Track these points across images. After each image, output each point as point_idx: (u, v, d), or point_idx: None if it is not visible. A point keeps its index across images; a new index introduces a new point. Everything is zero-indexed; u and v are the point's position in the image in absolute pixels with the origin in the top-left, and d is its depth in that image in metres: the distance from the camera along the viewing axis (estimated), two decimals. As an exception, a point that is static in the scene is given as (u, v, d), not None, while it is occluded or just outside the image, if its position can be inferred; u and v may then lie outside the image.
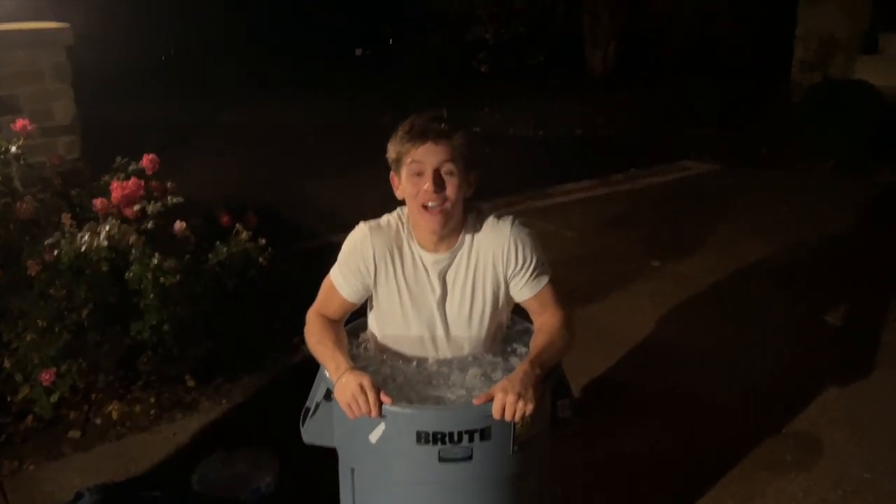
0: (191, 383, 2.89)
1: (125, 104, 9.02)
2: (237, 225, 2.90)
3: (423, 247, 1.78)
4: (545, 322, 1.81)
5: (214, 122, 8.82)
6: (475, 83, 9.86)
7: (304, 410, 1.81)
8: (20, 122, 2.93)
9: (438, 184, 1.65)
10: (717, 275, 4.07)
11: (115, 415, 2.70)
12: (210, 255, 2.76)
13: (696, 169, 6.45)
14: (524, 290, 1.81)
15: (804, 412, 2.80)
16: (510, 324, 1.96)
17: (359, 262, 1.77)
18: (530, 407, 1.55)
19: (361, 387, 1.57)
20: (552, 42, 10.34)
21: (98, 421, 2.72)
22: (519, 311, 1.94)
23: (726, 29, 9.23)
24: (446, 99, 8.84)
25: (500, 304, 1.83)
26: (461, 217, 1.76)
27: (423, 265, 1.77)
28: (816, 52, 7.47)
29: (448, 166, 1.66)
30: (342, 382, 1.61)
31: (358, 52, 12.91)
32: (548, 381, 1.69)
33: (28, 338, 2.45)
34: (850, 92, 6.40)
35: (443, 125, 1.66)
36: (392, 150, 1.71)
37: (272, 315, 3.13)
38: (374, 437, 1.62)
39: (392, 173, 1.76)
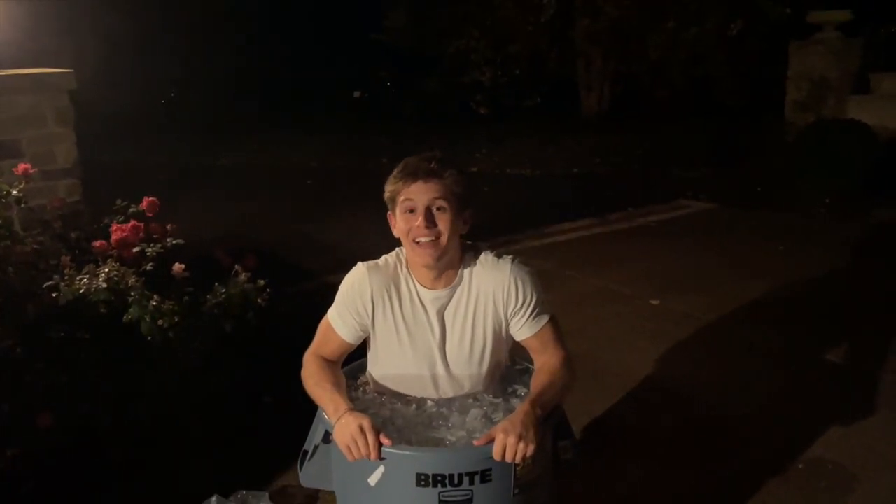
0: (188, 426, 2.85)
1: (127, 147, 9.12)
2: (236, 266, 2.90)
3: (421, 284, 1.78)
4: (545, 362, 1.80)
5: (215, 165, 8.91)
6: (473, 124, 10.00)
7: (301, 453, 1.80)
8: (22, 167, 2.95)
9: (430, 219, 1.68)
10: (716, 314, 4.07)
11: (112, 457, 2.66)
12: (208, 297, 2.76)
13: (692, 208, 6.50)
14: (524, 328, 1.81)
15: (807, 452, 2.76)
16: (510, 364, 1.95)
17: (356, 302, 1.78)
18: (531, 448, 1.54)
19: (361, 428, 1.56)
20: (548, 84, 10.51)
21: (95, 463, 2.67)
22: (519, 352, 1.94)
23: (719, 70, 9.39)
24: (444, 140, 8.96)
25: (501, 342, 1.83)
26: (458, 254, 1.77)
27: (422, 303, 1.78)
28: (809, 93, 7.59)
29: (439, 203, 1.69)
30: (341, 424, 1.60)
31: (357, 94, 13.10)
32: (549, 421, 1.67)
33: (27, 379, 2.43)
34: (843, 132, 6.49)
35: (433, 164, 1.70)
36: (387, 190, 1.75)
37: (270, 356, 3.11)
38: (373, 479, 1.60)
39: (389, 212, 1.78)
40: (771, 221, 5.92)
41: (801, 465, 2.70)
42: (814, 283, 4.52)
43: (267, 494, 2.49)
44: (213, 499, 2.46)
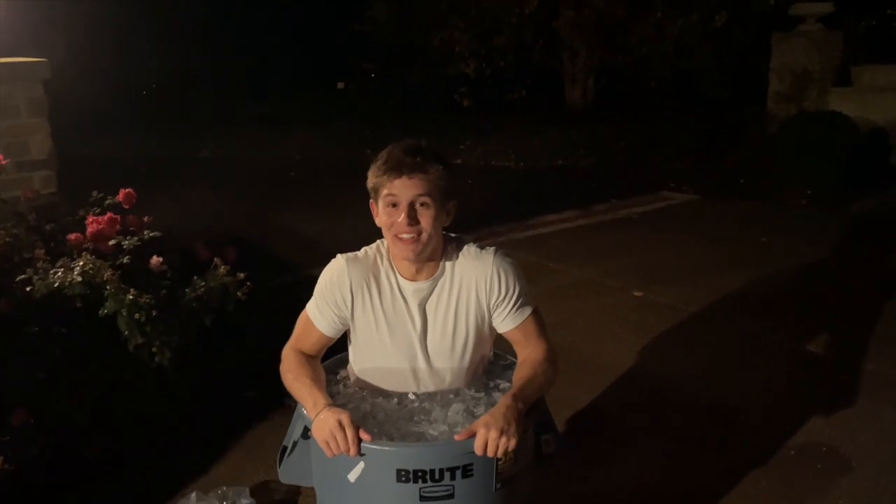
0: (167, 421, 2.82)
1: (108, 139, 9.00)
2: (215, 259, 2.86)
3: (402, 276, 1.76)
4: (528, 355, 1.78)
5: (196, 157, 8.81)
6: (457, 117, 9.95)
7: (281, 449, 1.77)
8: (-6, 158, 2.89)
9: (412, 216, 1.65)
10: (698, 305, 4.08)
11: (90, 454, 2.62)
12: (187, 290, 2.71)
13: (676, 199, 6.52)
14: (507, 320, 1.79)
15: (789, 442, 2.78)
16: (493, 358, 1.93)
17: (335, 294, 1.75)
18: (513, 442, 1.53)
19: (340, 424, 1.53)
20: (532, 77, 10.48)
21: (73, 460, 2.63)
22: (502, 346, 1.92)
23: (702, 62, 9.40)
24: (428, 131, 8.90)
25: (483, 334, 1.81)
26: (440, 245, 1.75)
27: (402, 295, 1.75)
28: (791, 85, 7.63)
29: (423, 199, 1.66)
30: (320, 419, 1.57)
31: (340, 85, 13.01)
32: (531, 415, 1.66)
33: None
34: (824, 123, 6.53)
35: (418, 158, 1.66)
36: (370, 180, 1.71)
37: (250, 350, 3.08)
38: (353, 475, 1.58)
39: (371, 201, 1.75)
40: (753, 213, 5.95)
41: (783, 455, 2.71)
42: (795, 275, 4.55)
43: (248, 490, 2.46)
44: (193, 494, 2.43)
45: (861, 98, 7.18)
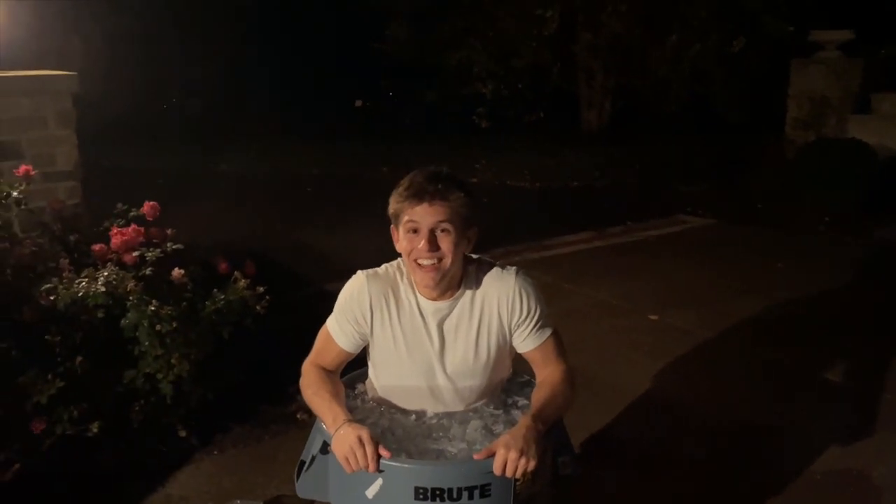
0: (182, 433, 2.83)
1: (130, 151, 9.11)
2: (235, 273, 2.88)
3: (422, 295, 1.77)
4: (547, 376, 1.79)
5: (216, 171, 8.89)
6: (473, 137, 10.00)
7: (299, 463, 1.77)
8: (23, 168, 2.94)
9: (433, 243, 1.67)
10: (714, 330, 4.06)
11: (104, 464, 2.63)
12: (207, 303, 2.74)
13: (692, 223, 6.50)
14: (528, 341, 1.79)
15: (807, 470, 2.75)
16: (511, 376, 1.94)
17: (355, 310, 1.77)
18: (532, 464, 1.53)
19: (360, 440, 1.54)
20: (549, 98, 10.52)
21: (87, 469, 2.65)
22: (520, 363, 1.92)
23: (720, 86, 9.41)
24: (444, 150, 8.96)
25: (504, 354, 1.82)
26: (460, 269, 1.76)
27: (421, 313, 1.76)
28: (809, 112, 7.61)
29: (443, 226, 1.67)
30: (340, 435, 1.58)
31: (358, 103, 13.12)
32: (549, 436, 1.66)
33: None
34: (843, 150, 6.51)
35: (440, 185, 1.67)
36: (392, 206, 1.73)
37: (268, 364, 3.10)
38: (371, 492, 1.58)
39: (392, 227, 1.76)
40: (770, 239, 5.92)
41: (796, 484, 2.68)
42: (812, 302, 4.51)
43: (261, 503, 2.46)
44: (207, 508, 2.44)
45: (881, 126, 7.14)
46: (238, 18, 11.80)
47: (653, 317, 4.29)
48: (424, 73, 10.90)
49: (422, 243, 1.66)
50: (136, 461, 2.72)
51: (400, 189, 1.71)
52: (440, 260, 1.67)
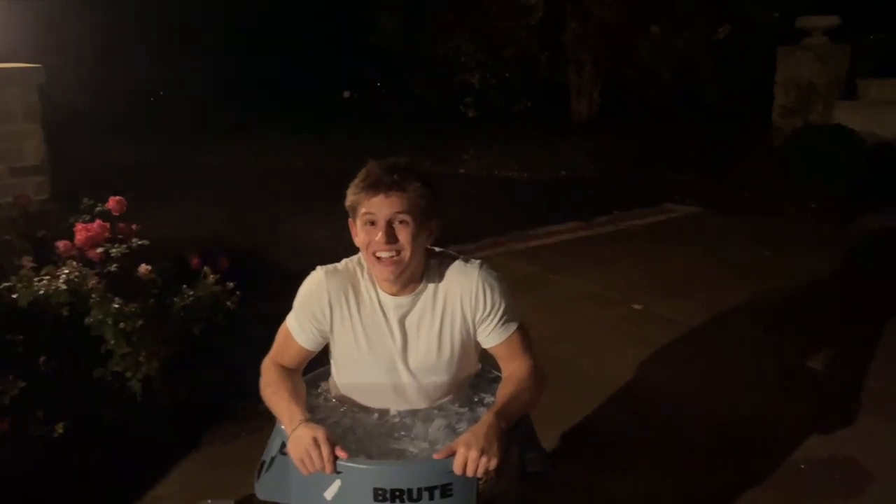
0: (155, 432, 2.78)
1: (115, 146, 9.00)
2: (204, 268, 2.82)
3: (383, 290, 1.72)
4: (514, 371, 1.74)
5: (200, 165, 8.80)
6: (462, 127, 9.93)
7: (259, 464, 1.73)
8: (-12, 163, 2.88)
9: (391, 235, 1.61)
10: (699, 319, 4.02)
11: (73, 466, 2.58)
12: (176, 300, 2.68)
13: (679, 212, 6.47)
14: (493, 336, 1.74)
15: (791, 460, 2.72)
16: (479, 372, 1.89)
17: (314, 307, 1.71)
18: (494, 462, 1.48)
19: (315, 441, 1.49)
20: (538, 88, 10.46)
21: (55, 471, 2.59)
22: (488, 359, 1.87)
23: (708, 75, 9.36)
24: (432, 141, 8.90)
25: (469, 350, 1.77)
26: (422, 262, 1.71)
27: (382, 309, 1.71)
28: (796, 98, 7.57)
29: (401, 217, 1.62)
30: (295, 436, 1.53)
31: (346, 94, 13.04)
32: (515, 433, 1.61)
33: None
34: (830, 137, 6.46)
35: (396, 176, 1.62)
36: (349, 199, 1.68)
37: (240, 361, 3.04)
38: (329, 494, 1.54)
39: (350, 220, 1.71)
40: (757, 227, 5.89)
41: (782, 473, 2.65)
42: (798, 290, 4.49)
43: (233, 502, 2.42)
44: (177, 507, 2.40)
45: (868, 112, 7.11)
46: (226, 8, 11.69)
47: (637, 306, 4.25)
48: (413, 64, 10.83)
49: (379, 235, 1.61)
50: (108, 461, 2.67)
51: (356, 181, 1.66)
52: (399, 252, 1.62)
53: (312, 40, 12.28)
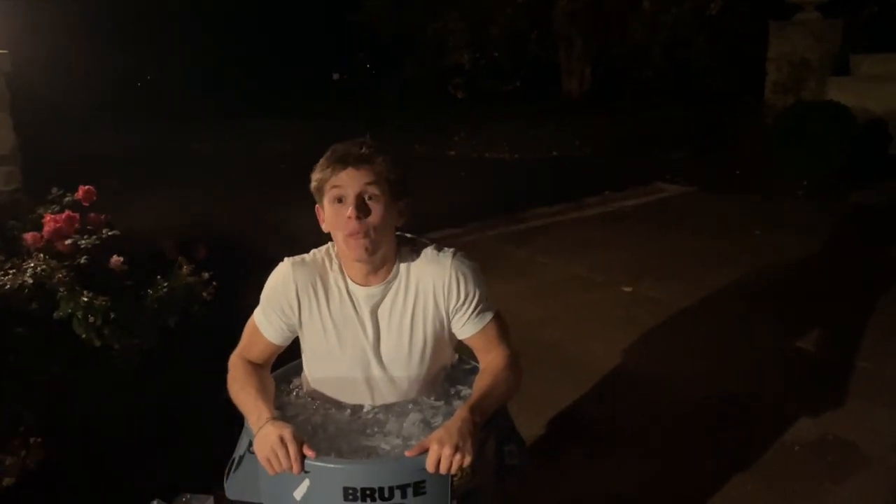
0: (130, 426, 2.71)
1: (100, 134, 8.88)
2: (179, 258, 2.74)
3: (353, 280, 1.64)
4: (490, 362, 1.68)
5: (187, 151, 8.69)
6: (451, 108, 9.84)
7: (228, 463, 1.66)
8: (-47, 153, 2.78)
9: (362, 209, 1.54)
10: (690, 300, 3.97)
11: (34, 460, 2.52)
12: (150, 291, 2.60)
13: (670, 192, 6.40)
14: (467, 326, 1.68)
15: (784, 441, 2.68)
16: (456, 363, 1.83)
17: (281, 300, 1.64)
18: (468, 458, 1.42)
19: (282, 439, 1.43)
20: (528, 67, 10.36)
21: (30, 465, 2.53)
22: (466, 350, 1.81)
23: (699, 53, 9.26)
24: (422, 123, 8.81)
25: (443, 341, 1.70)
26: (393, 248, 1.63)
27: (352, 300, 1.64)
28: (789, 75, 7.49)
29: (371, 190, 1.54)
30: (262, 434, 1.47)
31: (335, 76, 12.91)
32: (490, 426, 1.55)
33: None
34: (822, 114, 6.39)
35: (363, 149, 1.56)
36: (314, 180, 1.60)
37: (218, 353, 2.97)
38: (298, 494, 1.47)
39: (317, 205, 1.63)
40: (748, 205, 5.83)
41: (774, 456, 2.61)
42: (790, 269, 4.44)
43: (212, 498, 2.35)
44: (154, 502, 2.34)
45: (860, 87, 7.03)
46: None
47: (627, 289, 4.20)
48: (402, 45, 10.71)
49: (349, 210, 1.53)
50: (81, 459, 2.61)
51: (321, 161, 1.59)
52: (370, 229, 1.54)
53: (301, 22, 12.12)
